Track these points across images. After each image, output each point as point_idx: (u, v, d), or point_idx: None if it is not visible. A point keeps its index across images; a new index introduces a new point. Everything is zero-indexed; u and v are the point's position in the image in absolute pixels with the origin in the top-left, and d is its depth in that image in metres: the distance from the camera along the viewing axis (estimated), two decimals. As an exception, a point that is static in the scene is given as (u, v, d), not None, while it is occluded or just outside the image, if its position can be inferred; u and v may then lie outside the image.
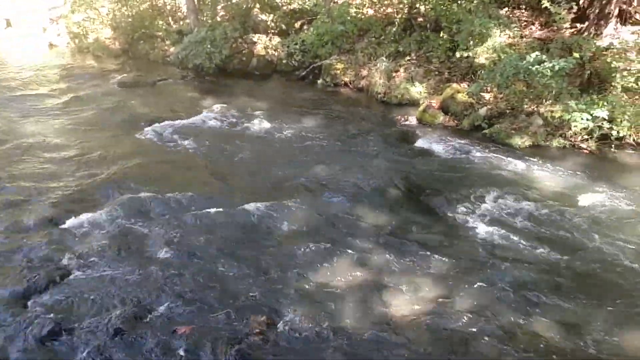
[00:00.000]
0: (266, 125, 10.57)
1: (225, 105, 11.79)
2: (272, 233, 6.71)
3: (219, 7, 16.35)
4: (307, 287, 5.69)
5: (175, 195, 7.46)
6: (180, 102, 12.59)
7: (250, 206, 7.16)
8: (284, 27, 15.65)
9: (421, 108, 11.18)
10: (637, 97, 9.67)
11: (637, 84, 9.74)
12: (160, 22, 17.44)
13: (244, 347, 4.82)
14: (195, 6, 16.12)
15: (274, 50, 15.00)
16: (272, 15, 15.82)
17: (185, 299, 5.49)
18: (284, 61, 14.68)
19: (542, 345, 4.97)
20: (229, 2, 16.18)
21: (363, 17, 14.28)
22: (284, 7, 16.04)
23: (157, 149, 9.57)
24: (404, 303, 5.47)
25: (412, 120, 11.06)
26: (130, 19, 17.63)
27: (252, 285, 5.69)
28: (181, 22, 17.67)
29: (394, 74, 12.63)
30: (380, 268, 6.04)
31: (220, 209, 7.13)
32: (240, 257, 6.15)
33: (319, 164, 8.76)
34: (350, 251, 6.32)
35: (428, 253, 6.32)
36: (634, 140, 9.43)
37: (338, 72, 13.42)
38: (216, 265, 6.02)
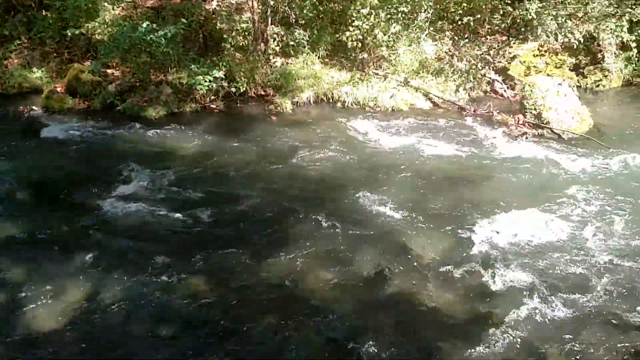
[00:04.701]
0: None
1: None
2: None
3: None
4: None
5: None
6: None
7: None
8: None
9: (45, 94, 10.10)
10: (248, 54, 10.73)
11: (246, 42, 10.82)
12: None
13: None
14: None
15: None
16: None
17: None
18: None
19: (219, 297, 5.20)
20: None
21: None
22: None
23: None
24: (42, 315, 4.90)
25: (38, 109, 9.88)
26: None
27: None
28: None
29: (5, 62, 11.00)
30: (13, 285, 5.25)
31: None
32: None
33: None
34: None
35: (72, 252, 5.77)
36: (254, 93, 10.52)
37: None
38: None
